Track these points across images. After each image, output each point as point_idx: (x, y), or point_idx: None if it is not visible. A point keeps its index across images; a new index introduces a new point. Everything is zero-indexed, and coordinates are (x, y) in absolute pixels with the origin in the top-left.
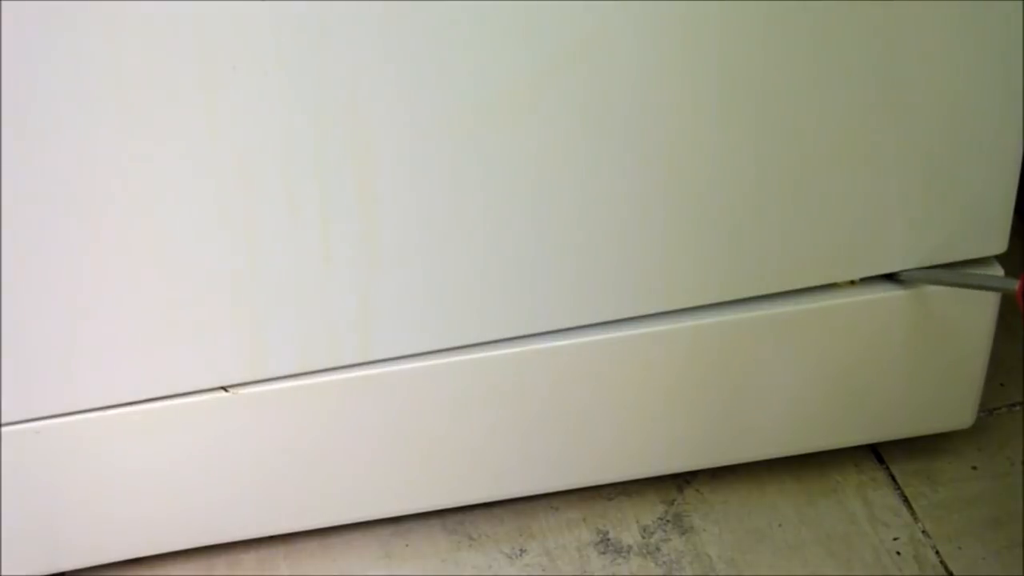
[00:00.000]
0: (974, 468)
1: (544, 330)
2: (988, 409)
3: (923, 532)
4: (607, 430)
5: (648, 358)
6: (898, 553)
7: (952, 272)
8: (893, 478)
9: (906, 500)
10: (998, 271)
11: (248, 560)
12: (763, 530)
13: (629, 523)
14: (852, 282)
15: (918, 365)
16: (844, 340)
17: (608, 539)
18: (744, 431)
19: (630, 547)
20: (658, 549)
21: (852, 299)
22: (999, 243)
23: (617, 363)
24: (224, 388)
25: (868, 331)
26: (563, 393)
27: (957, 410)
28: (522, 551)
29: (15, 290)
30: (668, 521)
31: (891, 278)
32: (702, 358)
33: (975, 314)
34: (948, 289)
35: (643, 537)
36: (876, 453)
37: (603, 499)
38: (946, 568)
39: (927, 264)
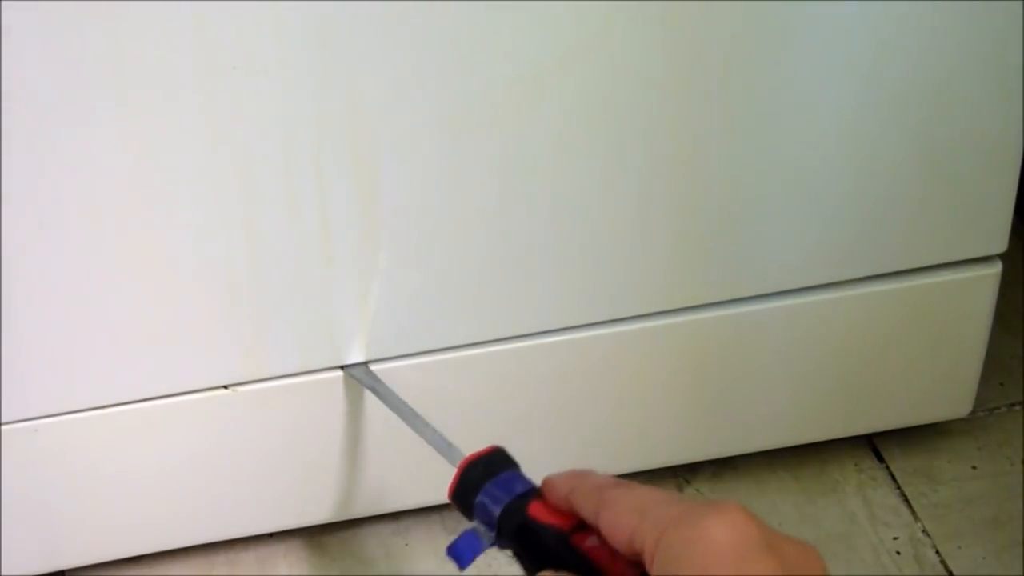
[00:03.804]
0: (974, 468)
1: (544, 329)
2: (988, 409)
3: (923, 532)
4: (606, 423)
5: (647, 352)
6: (898, 553)
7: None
8: (893, 477)
9: (906, 499)
10: (997, 268)
11: (248, 559)
12: None
13: None
14: None
15: (915, 355)
16: (841, 331)
17: None
18: (742, 423)
19: None
20: None
21: (849, 292)
22: (999, 243)
23: (616, 357)
24: (225, 386)
25: (865, 322)
26: (562, 387)
27: (954, 400)
28: None
29: (14, 289)
30: None
31: None
32: (699, 351)
33: (972, 303)
34: (944, 279)
35: None
36: (876, 452)
37: None
38: (946, 568)
39: (928, 264)
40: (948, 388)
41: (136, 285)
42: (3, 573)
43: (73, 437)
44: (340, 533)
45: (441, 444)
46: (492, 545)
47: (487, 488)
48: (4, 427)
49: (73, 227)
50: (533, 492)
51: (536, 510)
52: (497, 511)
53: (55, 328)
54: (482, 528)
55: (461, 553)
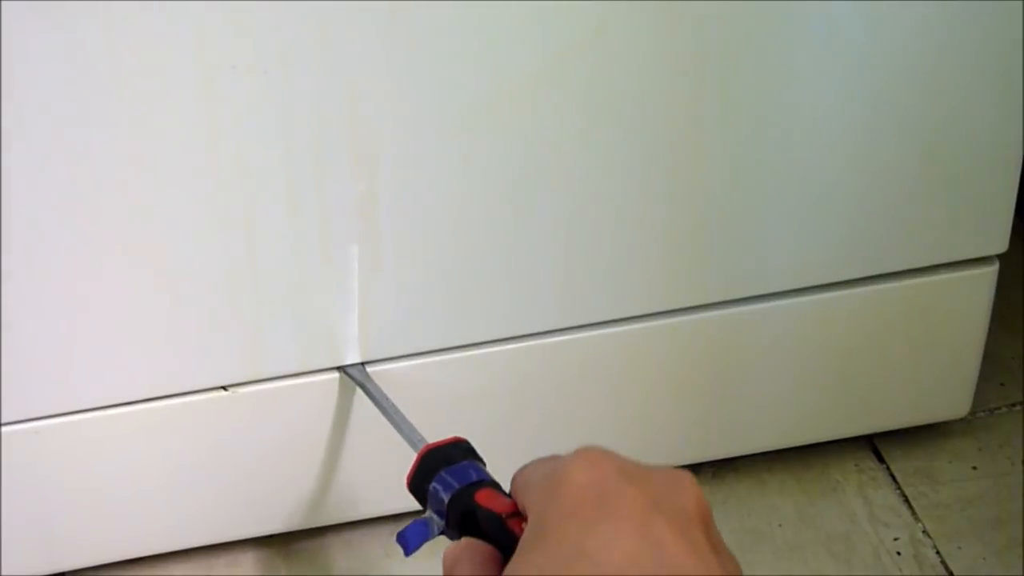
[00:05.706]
0: (974, 468)
1: (544, 329)
2: (988, 409)
3: (923, 532)
4: (605, 423)
5: (647, 352)
6: (898, 553)
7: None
8: (893, 478)
9: (906, 500)
10: (995, 266)
11: (247, 560)
12: (763, 530)
13: None
14: None
15: (914, 355)
16: (840, 331)
17: None
18: (742, 424)
19: None
20: None
21: (847, 291)
22: (999, 243)
23: (615, 357)
24: (224, 387)
25: (863, 322)
26: (561, 387)
27: (953, 400)
28: None
29: (15, 290)
30: None
31: None
32: (699, 352)
33: (970, 301)
34: (942, 278)
35: None
36: (876, 452)
37: None
38: (947, 568)
39: (928, 264)
40: (947, 388)
41: (135, 285)
42: (4, 574)
43: (73, 437)
44: (340, 534)
45: (414, 440)
46: (441, 533)
47: (441, 475)
48: (4, 427)
49: (72, 227)
50: (486, 482)
51: (483, 497)
52: (447, 498)
53: (55, 328)
54: (434, 517)
55: (409, 540)
